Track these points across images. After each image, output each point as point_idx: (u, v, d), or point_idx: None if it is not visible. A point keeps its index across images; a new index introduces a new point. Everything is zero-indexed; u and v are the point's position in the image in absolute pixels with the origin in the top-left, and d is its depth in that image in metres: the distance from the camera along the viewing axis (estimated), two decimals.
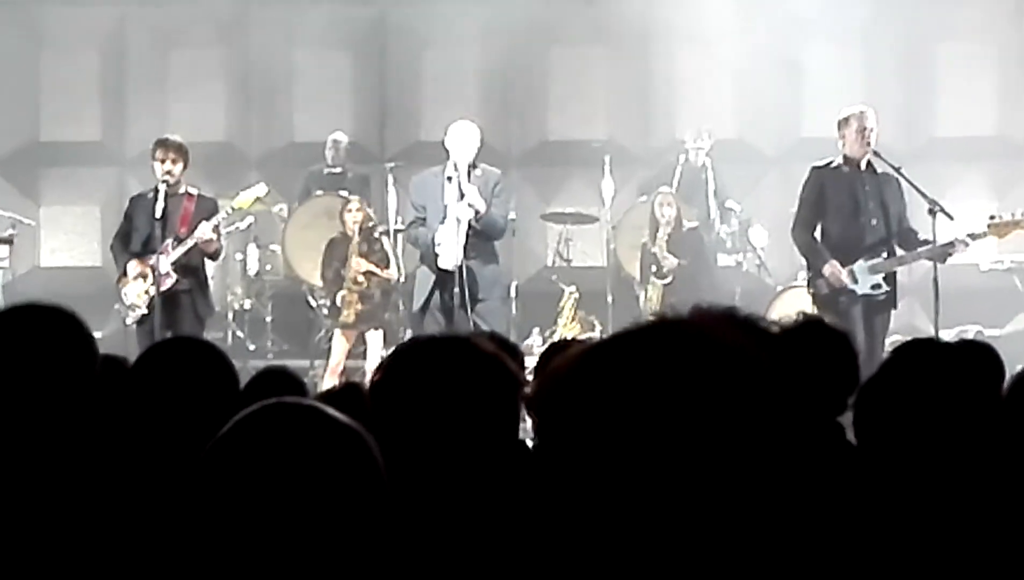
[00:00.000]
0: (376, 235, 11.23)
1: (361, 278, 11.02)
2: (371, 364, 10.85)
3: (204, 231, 9.38)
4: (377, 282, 11.06)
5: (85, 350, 2.64)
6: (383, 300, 11.11)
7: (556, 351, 3.69)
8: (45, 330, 2.66)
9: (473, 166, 9.41)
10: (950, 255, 9.15)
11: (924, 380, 2.86)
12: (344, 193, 12.46)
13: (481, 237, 9.33)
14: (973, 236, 9.24)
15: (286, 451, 1.82)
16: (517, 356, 3.79)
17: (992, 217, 9.46)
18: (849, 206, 9.20)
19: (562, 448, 1.42)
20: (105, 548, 1.83)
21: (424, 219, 9.43)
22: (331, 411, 1.88)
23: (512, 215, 11.20)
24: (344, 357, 11.01)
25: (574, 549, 1.40)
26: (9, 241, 11.34)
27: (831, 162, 9.31)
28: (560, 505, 1.42)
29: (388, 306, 11.18)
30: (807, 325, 3.65)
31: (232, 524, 1.78)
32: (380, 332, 11.06)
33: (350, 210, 11.20)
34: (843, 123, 9.27)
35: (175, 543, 1.89)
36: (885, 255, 9.18)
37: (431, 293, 9.38)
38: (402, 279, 11.30)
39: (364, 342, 11.13)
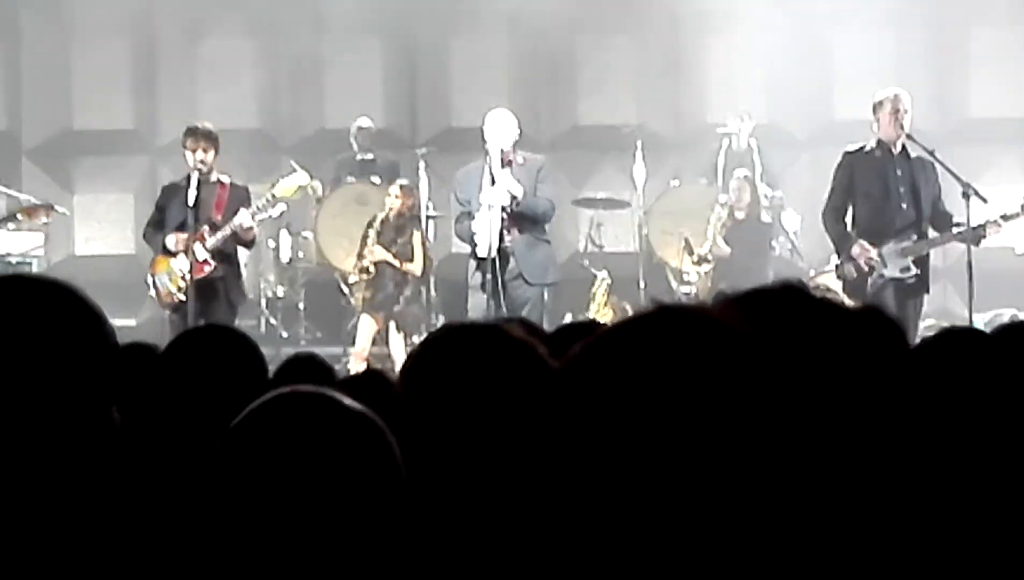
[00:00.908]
0: (407, 226, 11.18)
1: (372, 267, 11.02)
2: (393, 350, 10.94)
3: (244, 218, 9.41)
4: (392, 273, 11.04)
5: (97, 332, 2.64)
6: (395, 291, 11.07)
7: (568, 334, 3.66)
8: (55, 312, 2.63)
9: (514, 153, 9.45)
10: (983, 237, 9.10)
11: (959, 370, 2.81)
12: (376, 179, 12.47)
13: (526, 221, 9.40)
14: (1006, 217, 9.19)
15: (300, 440, 1.82)
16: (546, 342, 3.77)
17: None
18: (879, 190, 9.15)
19: (567, 438, 1.43)
20: (124, 536, 1.85)
21: (470, 213, 9.47)
22: (345, 400, 1.89)
23: None
24: (369, 342, 11.05)
25: (589, 541, 1.41)
26: (48, 207, 11.42)
27: (863, 146, 9.26)
28: (569, 496, 1.42)
29: (400, 298, 11.14)
30: (862, 313, 3.60)
31: (246, 513, 1.79)
32: (393, 322, 11.09)
33: (389, 195, 11.20)
34: (877, 106, 9.22)
35: (191, 533, 1.90)
36: (915, 238, 9.13)
37: (474, 281, 9.47)
38: (418, 273, 11.23)
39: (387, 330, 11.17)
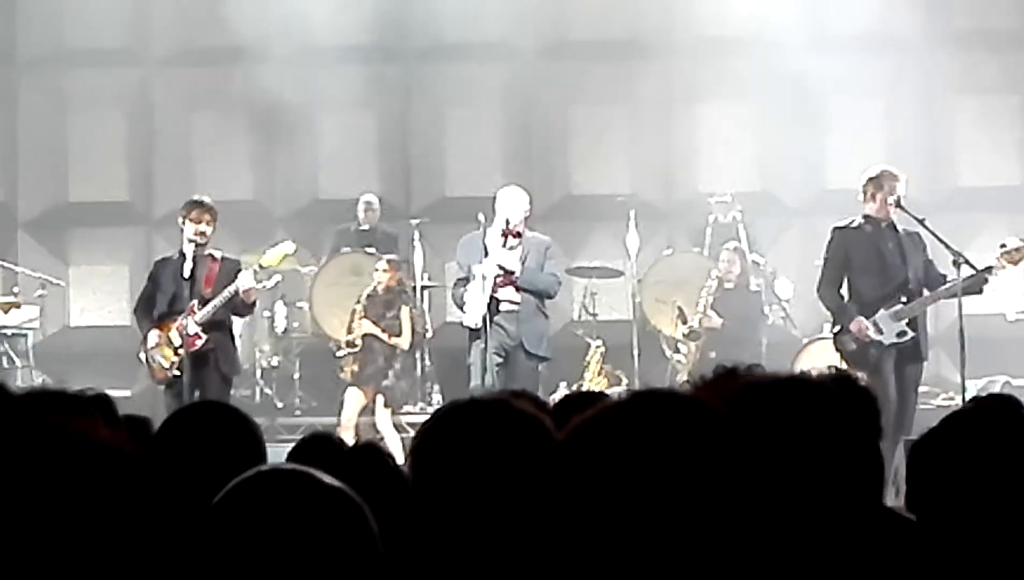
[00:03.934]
0: (395, 300, 11.19)
1: (359, 341, 11.06)
2: (380, 424, 10.97)
3: (246, 280, 9.42)
4: (381, 347, 11.05)
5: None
6: (384, 365, 11.08)
7: (570, 406, 3.67)
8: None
9: (522, 226, 9.67)
10: (976, 292, 9.10)
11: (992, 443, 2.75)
12: (372, 250, 12.51)
13: (530, 292, 9.57)
14: (989, 269, 9.16)
15: (279, 517, 1.85)
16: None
17: (1003, 245, 9.37)
18: (875, 261, 9.19)
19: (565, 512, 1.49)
20: None
21: (467, 279, 9.60)
22: (325, 477, 1.92)
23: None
24: (356, 414, 11.08)
25: None
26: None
27: (852, 221, 9.31)
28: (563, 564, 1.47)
29: (389, 371, 11.15)
30: (831, 380, 3.62)
31: None
32: (381, 396, 11.10)
33: (377, 269, 11.24)
34: (871, 183, 9.22)
35: None
36: (904, 300, 9.16)
37: (469, 350, 9.59)
38: (406, 347, 11.26)
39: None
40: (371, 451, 3.50)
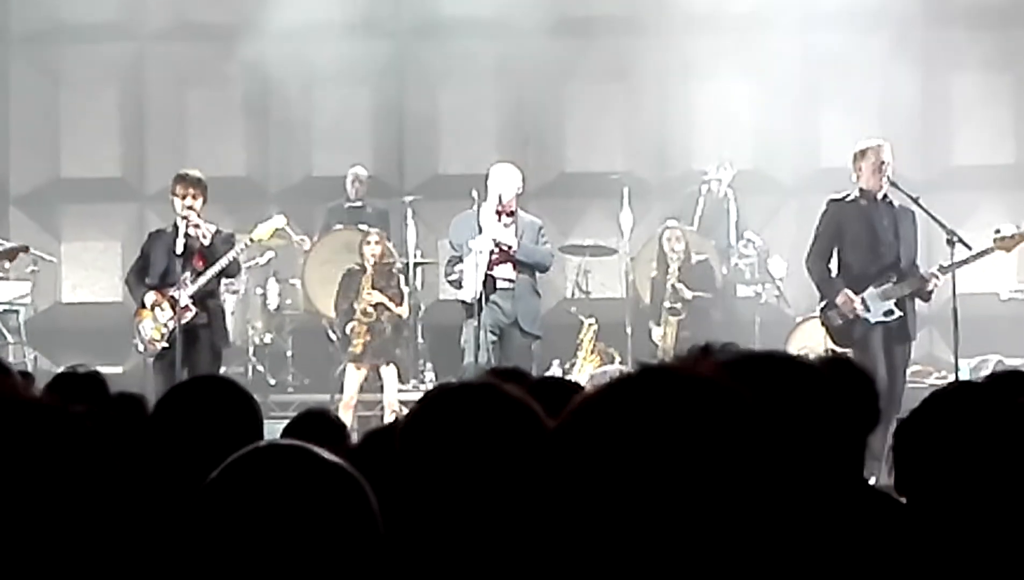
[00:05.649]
0: (393, 270, 11.21)
1: (371, 310, 10.97)
2: (388, 398, 10.91)
3: (204, 229, 9.36)
4: (389, 317, 11.00)
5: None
6: (394, 335, 11.04)
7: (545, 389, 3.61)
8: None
9: (515, 205, 9.75)
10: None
11: (974, 426, 2.76)
12: (364, 227, 12.49)
13: (526, 266, 9.63)
14: (983, 253, 9.24)
15: (277, 492, 1.84)
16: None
17: (997, 231, 9.43)
18: (867, 237, 9.21)
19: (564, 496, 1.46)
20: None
21: (460, 258, 9.63)
22: (323, 453, 1.90)
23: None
24: (357, 391, 10.98)
25: None
26: (23, 249, 11.44)
27: (848, 195, 9.32)
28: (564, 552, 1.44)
29: (400, 341, 11.16)
30: (830, 363, 3.62)
31: (222, 565, 1.80)
32: (393, 367, 11.04)
33: (369, 242, 11.16)
34: (859, 156, 9.28)
35: None
36: (895, 280, 9.18)
37: (467, 334, 9.64)
38: (406, 316, 11.31)
39: (379, 376, 11.10)
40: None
